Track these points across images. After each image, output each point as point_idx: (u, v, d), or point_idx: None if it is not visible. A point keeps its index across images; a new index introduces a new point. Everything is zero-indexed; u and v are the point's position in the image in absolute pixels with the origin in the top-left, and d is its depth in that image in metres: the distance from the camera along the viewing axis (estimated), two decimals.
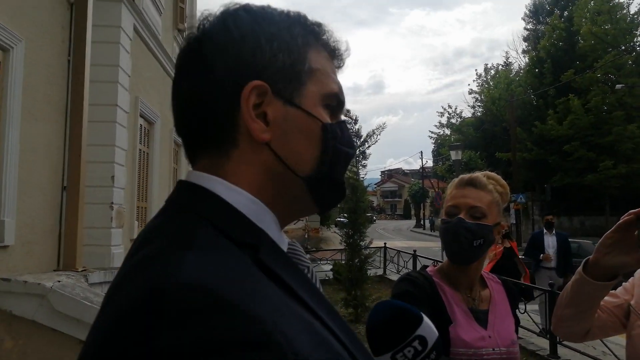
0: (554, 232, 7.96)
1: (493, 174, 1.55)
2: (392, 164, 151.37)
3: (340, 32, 0.70)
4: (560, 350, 6.00)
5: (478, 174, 1.51)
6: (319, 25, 0.68)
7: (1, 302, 2.67)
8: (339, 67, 0.71)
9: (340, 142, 0.66)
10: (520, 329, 1.55)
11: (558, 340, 5.88)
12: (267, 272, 0.53)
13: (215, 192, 0.60)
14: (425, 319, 0.89)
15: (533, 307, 7.26)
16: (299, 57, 0.64)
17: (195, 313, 0.42)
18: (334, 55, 0.70)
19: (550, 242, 7.84)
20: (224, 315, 0.43)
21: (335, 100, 0.67)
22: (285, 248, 0.64)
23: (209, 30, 0.64)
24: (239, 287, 0.46)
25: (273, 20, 0.64)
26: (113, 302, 0.48)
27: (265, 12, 0.65)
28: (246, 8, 0.65)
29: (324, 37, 0.68)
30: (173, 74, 0.68)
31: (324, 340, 0.51)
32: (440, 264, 1.56)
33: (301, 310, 0.53)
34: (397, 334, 0.87)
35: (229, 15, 0.64)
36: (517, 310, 1.56)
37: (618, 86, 23.19)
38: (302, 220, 19.81)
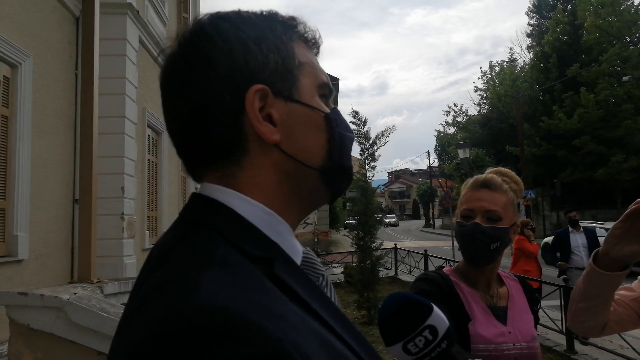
0: (581, 229, 7.25)
1: (506, 170, 1.54)
2: (399, 164, 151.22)
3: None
4: (578, 346, 5.96)
5: (492, 175, 1.49)
6: (294, 18, 0.68)
7: (19, 316, 2.70)
8: (317, 55, 0.71)
9: (341, 129, 0.67)
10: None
11: (575, 335, 5.83)
12: (281, 287, 0.53)
13: (229, 206, 0.59)
14: (436, 309, 0.90)
15: (549, 302, 7.16)
16: (287, 54, 0.64)
17: (212, 336, 0.43)
18: (312, 45, 0.70)
19: (579, 240, 7.12)
20: (240, 336, 0.43)
21: (327, 89, 0.68)
22: (299, 258, 0.64)
23: (193, 45, 0.62)
24: (254, 307, 0.46)
25: (253, 23, 0.64)
26: (132, 327, 0.48)
27: (243, 17, 0.64)
28: (221, 16, 0.64)
29: (300, 29, 0.68)
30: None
31: (341, 355, 0.52)
32: (454, 263, 1.56)
33: (317, 325, 0.52)
34: (408, 324, 0.88)
35: (208, 27, 0.62)
36: (535, 308, 1.55)
37: (625, 78, 22.98)
38: (311, 224, 19.79)
